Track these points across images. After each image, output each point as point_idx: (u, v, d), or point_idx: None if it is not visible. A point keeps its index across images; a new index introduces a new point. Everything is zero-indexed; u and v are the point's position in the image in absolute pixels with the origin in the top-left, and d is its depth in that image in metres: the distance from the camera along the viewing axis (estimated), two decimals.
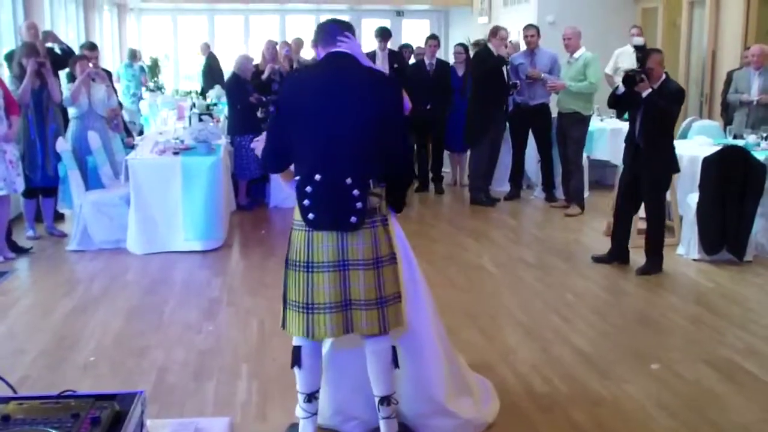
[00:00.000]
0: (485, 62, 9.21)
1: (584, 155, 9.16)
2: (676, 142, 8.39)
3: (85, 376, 4.61)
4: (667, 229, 7.67)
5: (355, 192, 3.34)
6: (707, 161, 6.88)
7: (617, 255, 6.82)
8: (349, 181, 3.34)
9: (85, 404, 1.93)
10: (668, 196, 7.42)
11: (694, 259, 6.93)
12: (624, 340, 5.13)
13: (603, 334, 5.24)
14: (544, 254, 7.31)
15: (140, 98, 14.22)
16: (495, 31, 9.33)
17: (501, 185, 10.02)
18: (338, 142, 3.37)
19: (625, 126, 9.77)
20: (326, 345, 3.74)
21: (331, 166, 3.36)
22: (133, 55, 14.82)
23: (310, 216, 3.39)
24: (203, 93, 13.96)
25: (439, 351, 3.77)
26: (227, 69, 13.00)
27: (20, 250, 7.33)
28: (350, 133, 3.37)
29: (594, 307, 5.77)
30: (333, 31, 3.56)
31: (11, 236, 7.41)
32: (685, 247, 7.07)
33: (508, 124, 9.82)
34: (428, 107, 9.92)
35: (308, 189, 3.39)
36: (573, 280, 6.47)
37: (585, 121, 8.84)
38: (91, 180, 8.06)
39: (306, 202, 3.38)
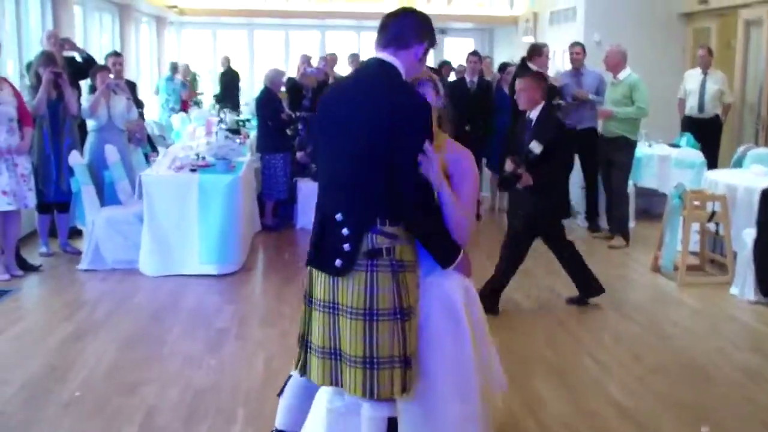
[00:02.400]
0: None
1: (630, 183, 8.57)
2: (730, 171, 7.84)
3: (65, 415, 4.20)
4: (719, 266, 7.11)
5: (344, 231, 2.87)
6: (766, 193, 6.29)
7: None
8: (339, 217, 2.89)
9: None
10: (722, 230, 6.86)
11: (750, 301, 6.30)
12: (669, 393, 4.56)
13: (645, 385, 4.67)
14: None
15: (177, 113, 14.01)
16: (539, 50, 8.81)
17: None
18: (337, 171, 2.94)
19: (674, 152, 9.24)
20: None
21: (327, 198, 2.98)
22: (174, 69, 14.60)
23: (309, 250, 3.04)
24: (219, 101, 14.58)
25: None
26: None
27: (30, 268, 6.98)
28: (347, 161, 2.91)
29: (636, 353, 5.20)
30: (386, 26, 3.01)
31: (20, 253, 7.05)
32: (739, 287, 6.46)
33: None
34: (467, 128, 9.44)
35: (313, 220, 3.06)
36: (614, 321, 5.91)
37: (632, 146, 8.25)
38: (108, 196, 7.71)
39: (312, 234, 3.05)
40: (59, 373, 4.75)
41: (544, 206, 5.96)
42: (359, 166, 2.89)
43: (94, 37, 12.16)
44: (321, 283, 2.98)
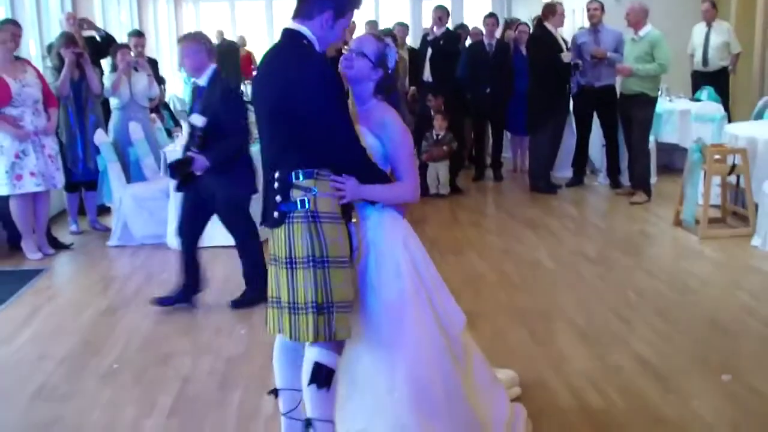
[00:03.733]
0: (542, 45, 8.74)
1: (651, 139, 8.57)
2: (750, 124, 7.83)
3: (105, 386, 4.35)
4: (741, 218, 7.14)
5: (276, 185, 3.06)
6: None
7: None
8: (275, 175, 3.07)
9: None
10: (742, 183, 6.87)
11: None
12: (691, 346, 4.63)
13: (667, 339, 4.74)
14: (606, 247, 6.80)
15: None
16: (553, 9, 8.81)
17: (563, 171, 9.49)
18: (268, 135, 3.16)
19: (694, 106, 9.22)
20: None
21: (264, 158, 3.20)
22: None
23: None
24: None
25: (433, 380, 3.25)
26: None
27: (61, 246, 7.13)
28: (273, 125, 3.12)
29: (658, 308, 5.25)
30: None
31: (51, 232, 7.21)
32: (761, 238, 6.49)
33: (571, 106, 9.32)
34: (488, 90, 9.46)
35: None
36: (636, 277, 5.96)
37: (651, 102, 8.23)
38: (134, 173, 7.84)
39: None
40: (96, 347, 4.91)
41: (228, 188, 5.32)
42: (275, 129, 3.10)
43: (113, 15, 12.24)
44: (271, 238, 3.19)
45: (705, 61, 10.05)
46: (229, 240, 6.89)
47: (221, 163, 5.16)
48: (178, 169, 5.26)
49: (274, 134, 3.13)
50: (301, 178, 3.02)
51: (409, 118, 3.18)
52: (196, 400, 4.14)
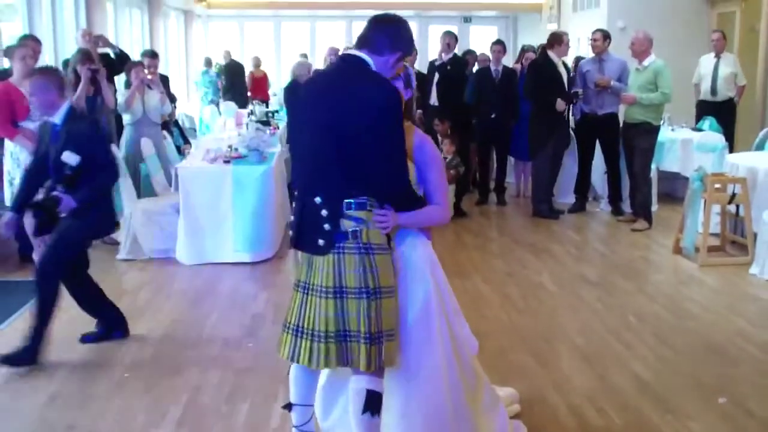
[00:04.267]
0: (543, 73, 8.92)
1: (653, 167, 8.71)
2: (751, 154, 7.97)
3: (117, 394, 4.46)
4: (740, 247, 7.26)
5: (324, 212, 3.10)
6: None
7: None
8: (318, 200, 3.11)
9: None
10: (742, 212, 7.00)
11: None
12: (688, 368, 4.75)
13: (665, 361, 4.86)
14: (608, 272, 6.93)
15: (218, 104, 14.40)
16: (559, 39, 9.00)
17: (565, 197, 9.63)
18: (313, 157, 3.17)
19: (696, 136, 9.36)
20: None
21: (305, 182, 3.22)
22: (208, 63, 15.01)
23: (291, 233, 3.30)
24: (224, 93, 15.00)
25: (445, 408, 3.36)
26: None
27: None
28: (323, 147, 3.12)
29: (658, 332, 5.38)
30: (367, 30, 3.25)
31: None
32: (759, 266, 6.62)
33: (574, 133, 9.48)
34: (493, 116, 9.62)
35: (293, 204, 3.31)
36: (637, 301, 6.08)
37: (654, 131, 8.38)
38: (144, 188, 7.98)
39: (291, 217, 3.30)
40: (108, 356, 5.02)
41: (82, 227, 4.99)
42: (331, 153, 3.09)
43: (125, 33, 12.44)
44: (302, 264, 3.22)
45: (713, 90, 10.22)
46: (235, 257, 7.08)
47: (87, 203, 4.87)
48: (44, 210, 4.88)
49: (323, 155, 3.12)
50: (353, 208, 3.09)
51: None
52: (205, 410, 4.24)
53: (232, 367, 4.83)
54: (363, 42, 3.22)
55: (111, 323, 5.34)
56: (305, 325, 3.19)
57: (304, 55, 16.90)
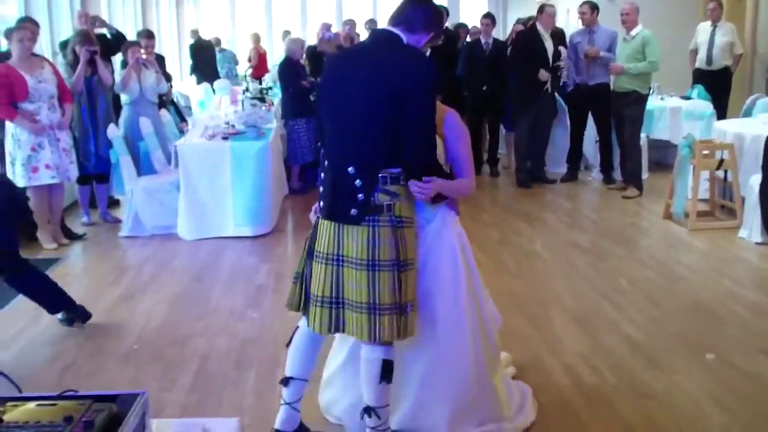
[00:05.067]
0: (525, 43, 9.15)
1: (643, 135, 8.87)
2: (739, 121, 8.13)
3: (127, 365, 4.61)
4: (729, 211, 7.44)
5: (358, 182, 3.15)
6: None
7: None
8: (351, 170, 3.16)
9: (81, 406, 1.85)
10: (730, 177, 7.17)
11: (757, 243, 6.65)
12: (678, 328, 4.93)
13: (656, 322, 5.05)
14: (599, 239, 7.11)
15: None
16: (542, 9, 9.17)
17: (558, 167, 9.79)
18: (347, 128, 3.20)
19: (685, 104, 9.52)
20: (350, 341, 3.59)
21: (337, 152, 3.24)
22: (218, 42, 15.37)
23: (320, 203, 3.34)
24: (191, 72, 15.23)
25: (469, 378, 3.50)
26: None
27: (74, 237, 7.39)
28: (359, 118, 3.16)
29: (648, 294, 5.57)
30: (403, 7, 3.30)
31: (65, 223, 7.48)
32: (747, 230, 6.80)
33: (566, 104, 9.62)
34: (484, 88, 9.75)
35: (322, 175, 3.34)
36: (628, 266, 6.26)
37: (643, 100, 8.54)
38: (144, 166, 8.11)
39: (320, 188, 3.34)
40: (115, 330, 5.18)
41: None
42: (367, 123, 3.13)
43: (118, 13, 12.49)
44: (326, 236, 3.26)
45: (709, 59, 10.34)
46: (236, 231, 7.24)
47: None
48: None
49: (357, 126, 3.15)
50: (388, 182, 3.16)
51: None
52: (214, 377, 4.41)
53: (237, 336, 4.99)
54: (398, 19, 3.27)
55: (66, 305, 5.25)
56: (325, 294, 3.25)
57: (288, 32, 16.98)
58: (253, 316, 5.34)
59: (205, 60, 15.82)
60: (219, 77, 15.13)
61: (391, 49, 3.21)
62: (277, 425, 3.55)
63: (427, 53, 3.52)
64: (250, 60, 16.47)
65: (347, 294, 3.21)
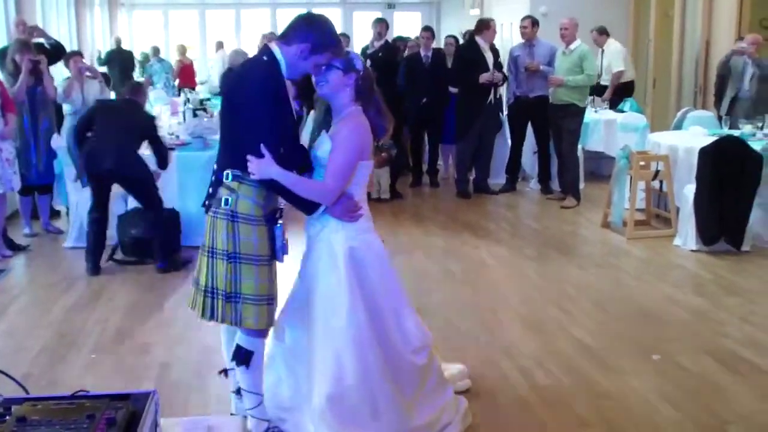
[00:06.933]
0: (467, 59, 9.36)
1: (579, 147, 9.15)
2: (671, 133, 8.47)
3: (87, 374, 4.60)
4: (664, 220, 7.73)
5: (213, 178, 3.48)
6: (704, 152, 6.88)
7: None
8: (214, 167, 3.51)
9: (99, 405, 1.92)
10: (665, 187, 7.46)
11: (692, 250, 6.94)
12: (625, 332, 5.14)
13: (604, 326, 5.25)
14: (543, 247, 7.32)
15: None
16: (487, 25, 9.39)
17: (496, 177, 10.00)
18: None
19: (619, 117, 9.84)
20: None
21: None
22: (156, 52, 15.20)
23: None
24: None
25: (344, 386, 3.49)
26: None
27: (17, 248, 7.29)
28: (221, 125, 3.71)
29: (594, 300, 5.78)
30: (291, 23, 3.47)
31: (7, 234, 7.37)
32: (682, 238, 7.09)
33: (507, 116, 9.85)
34: (424, 100, 9.92)
35: None
36: (572, 273, 6.48)
37: (580, 113, 8.83)
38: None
39: None
40: (70, 339, 5.14)
41: None
42: (221, 128, 3.67)
43: (53, 23, 12.34)
44: None
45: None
46: (184, 240, 7.22)
47: None
48: None
49: (221, 133, 3.65)
50: (230, 178, 3.38)
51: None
52: (178, 384, 4.44)
53: (196, 344, 5.02)
54: (282, 31, 3.53)
55: None
56: (195, 276, 3.60)
57: (221, 44, 16.94)
58: (209, 324, 5.34)
59: (122, 68, 15.34)
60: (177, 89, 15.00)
61: (248, 63, 3.59)
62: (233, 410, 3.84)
63: (351, 60, 3.57)
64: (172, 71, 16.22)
65: (198, 275, 3.54)
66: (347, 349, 3.48)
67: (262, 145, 3.29)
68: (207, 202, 3.47)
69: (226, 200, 3.37)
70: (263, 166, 3.30)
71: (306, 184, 3.47)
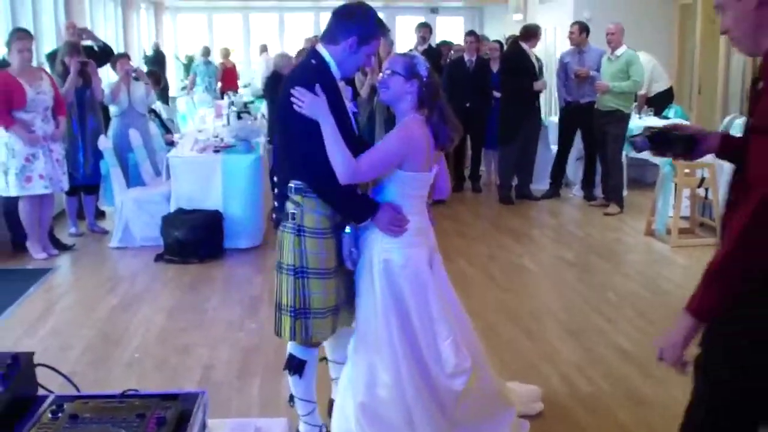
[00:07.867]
0: (515, 65, 9.32)
1: (623, 154, 9.08)
2: None
3: (130, 373, 4.67)
4: (709, 229, 7.64)
5: (276, 191, 3.52)
6: None
7: None
8: (275, 180, 3.52)
9: (148, 404, 1.94)
10: (710, 195, 7.38)
11: None
12: None
13: (646, 333, 5.20)
14: (585, 253, 7.28)
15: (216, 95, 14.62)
16: (534, 32, 9.40)
17: (538, 183, 9.96)
18: (277, 143, 3.62)
19: (664, 123, 9.73)
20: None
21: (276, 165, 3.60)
22: (207, 53, 15.42)
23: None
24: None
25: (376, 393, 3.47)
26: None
27: (63, 247, 7.42)
28: (279, 136, 3.59)
29: (637, 307, 5.73)
30: (329, 22, 3.40)
31: (53, 233, 7.50)
32: None
33: (558, 121, 9.80)
34: (467, 105, 9.90)
35: None
36: (615, 280, 6.43)
37: (625, 119, 8.75)
38: (132, 177, 8.16)
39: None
40: (114, 339, 5.23)
41: None
42: (280, 139, 3.53)
43: (101, 26, 12.54)
44: None
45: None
46: (227, 243, 7.30)
47: None
48: None
49: (278, 143, 3.56)
50: (293, 192, 3.35)
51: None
52: (220, 386, 4.48)
53: (238, 346, 5.07)
54: (324, 36, 3.42)
55: None
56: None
57: (264, 47, 17.05)
58: (252, 326, 5.42)
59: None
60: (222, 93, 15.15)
61: (297, 70, 3.53)
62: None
63: (415, 65, 3.43)
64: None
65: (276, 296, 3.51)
66: (379, 358, 3.44)
67: (317, 86, 3.21)
68: (275, 216, 3.45)
69: (293, 215, 3.34)
70: (315, 104, 3.20)
71: (339, 146, 3.21)
